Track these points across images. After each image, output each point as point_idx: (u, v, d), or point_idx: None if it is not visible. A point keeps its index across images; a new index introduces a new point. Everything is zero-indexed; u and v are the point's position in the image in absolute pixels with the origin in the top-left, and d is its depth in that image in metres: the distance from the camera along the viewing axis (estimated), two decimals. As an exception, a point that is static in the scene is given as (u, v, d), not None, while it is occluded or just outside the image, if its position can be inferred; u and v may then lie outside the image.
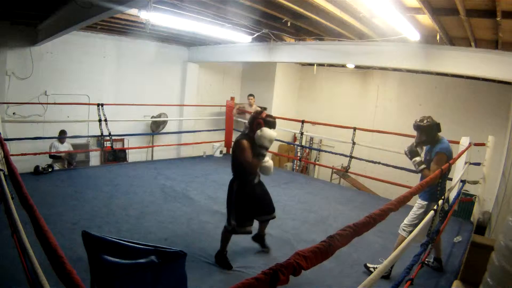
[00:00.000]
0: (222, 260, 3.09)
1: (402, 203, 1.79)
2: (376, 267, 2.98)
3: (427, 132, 3.01)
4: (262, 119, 2.95)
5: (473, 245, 3.11)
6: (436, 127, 3.01)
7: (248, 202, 3.04)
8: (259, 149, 2.88)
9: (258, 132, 2.86)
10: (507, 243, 2.12)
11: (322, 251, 1.15)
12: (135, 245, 1.27)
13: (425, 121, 3.01)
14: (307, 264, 1.06)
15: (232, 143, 3.16)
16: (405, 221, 3.14)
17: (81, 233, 1.29)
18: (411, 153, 3.11)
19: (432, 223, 2.67)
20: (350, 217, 4.45)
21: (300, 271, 1.04)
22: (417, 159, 3.07)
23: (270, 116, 3.02)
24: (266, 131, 2.86)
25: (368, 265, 3.17)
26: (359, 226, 1.37)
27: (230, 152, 3.06)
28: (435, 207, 2.70)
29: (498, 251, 2.23)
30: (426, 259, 3.12)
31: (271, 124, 2.98)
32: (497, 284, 2.14)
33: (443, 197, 2.80)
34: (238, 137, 3.05)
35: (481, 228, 4.37)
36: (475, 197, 4.82)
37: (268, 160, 3.10)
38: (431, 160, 3.03)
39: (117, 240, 1.27)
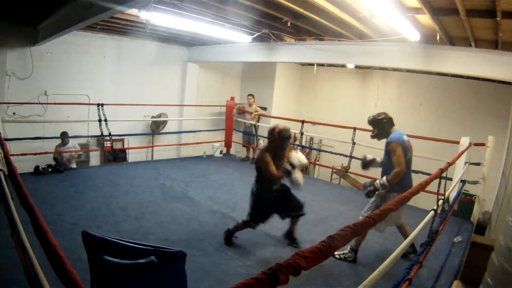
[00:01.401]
0: (227, 237, 3.47)
1: (401, 203, 1.79)
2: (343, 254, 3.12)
3: (379, 125, 3.20)
4: (277, 134, 3.16)
5: (473, 245, 3.11)
6: (388, 120, 3.19)
7: (264, 206, 3.33)
8: (288, 166, 3.16)
9: (294, 153, 3.19)
10: (507, 243, 2.12)
11: (322, 251, 1.15)
12: (135, 245, 1.27)
13: (376, 115, 3.23)
14: (307, 264, 1.06)
15: (257, 154, 3.46)
16: (365, 208, 3.29)
17: (81, 233, 1.29)
18: (365, 164, 3.39)
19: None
20: (350, 217, 4.45)
21: (300, 271, 1.04)
22: (374, 163, 3.30)
23: (284, 129, 3.19)
24: (297, 155, 3.18)
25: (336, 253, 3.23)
26: (358, 226, 1.37)
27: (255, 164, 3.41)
28: (435, 209, 2.71)
29: (498, 251, 2.22)
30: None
31: (286, 137, 3.18)
32: (497, 284, 2.14)
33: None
34: (261, 151, 3.33)
35: (481, 228, 4.37)
36: (475, 197, 4.82)
37: (295, 175, 3.20)
38: (385, 153, 3.17)
39: (117, 240, 1.26)
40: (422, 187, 2.17)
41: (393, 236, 3.70)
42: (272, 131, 3.20)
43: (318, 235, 3.82)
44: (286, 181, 3.33)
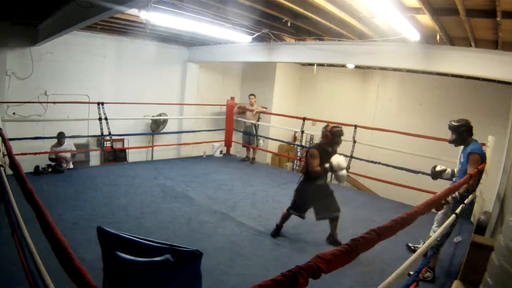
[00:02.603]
0: (275, 230, 3.76)
1: (430, 206, 1.73)
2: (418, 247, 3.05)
3: (457, 131, 3.24)
4: (329, 131, 3.45)
5: (473, 245, 3.10)
6: (467, 129, 3.23)
7: (304, 196, 3.60)
8: (327, 165, 3.38)
9: (336, 156, 3.42)
10: (507, 243, 2.12)
11: (345, 254, 1.11)
12: (150, 242, 1.26)
13: (456, 122, 3.27)
14: (328, 267, 1.03)
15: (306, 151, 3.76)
16: (435, 223, 3.25)
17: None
18: (435, 175, 3.41)
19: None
20: (350, 217, 4.44)
21: (320, 274, 1.00)
22: (444, 174, 3.37)
23: (336, 126, 3.49)
24: (338, 158, 3.38)
25: (410, 244, 3.52)
26: (383, 230, 1.31)
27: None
28: (457, 211, 2.71)
29: (498, 251, 2.22)
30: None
31: (338, 133, 3.45)
32: (497, 284, 2.14)
33: (465, 202, 2.84)
34: (313, 145, 3.67)
35: (481, 228, 4.36)
36: (475, 197, 4.81)
37: (343, 170, 3.41)
38: (465, 162, 3.18)
39: (132, 237, 1.26)
40: (452, 191, 2.14)
41: (394, 237, 3.70)
42: (325, 128, 3.49)
43: (318, 235, 3.82)
44: (331, 181, 3.61)
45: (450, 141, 3.34)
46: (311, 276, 0.98)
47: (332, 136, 3.44)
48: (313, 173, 3.46)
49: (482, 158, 3.14)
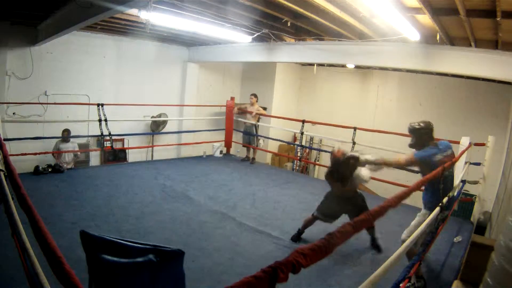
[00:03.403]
0: (296, 234, 3.73)
1: (400, 199, 1.77)
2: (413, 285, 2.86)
3: (416, 135, 2.93)
4: (332, 159, 3.37)
5: (473, 245, 3.11)
6: (427, 132, 2.91)
7: (329, 204, 3.61)
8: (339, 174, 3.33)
9: (359, 169, 3.33)
10: (507, 243, 2.12)
11: (321, 249, 1.15)
12: (133, 244, 1.27)
13: (416, 124, 2.92)
14: (306, 262, 1.06)
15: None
16: (406, 231, 2.98)
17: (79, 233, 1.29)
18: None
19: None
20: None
21: (299, 269, 1.03)
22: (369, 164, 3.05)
23: (337, 155, 3.26)
24: (361, 172, 3.35)
25: None
26: (358, 223, 1.37)
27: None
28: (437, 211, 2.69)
29: (498, 251, 2.23)
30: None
31: (344, 164, 3.19)
32: (497, 284, 2.14)
33: (440, 204, 2.67)
34: (326, 172, 3.56)
35: (481, 228, 4.37)
36: (475, 197, 4.82)
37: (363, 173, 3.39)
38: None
39: (115, 239, 1.26)
40: (423, 183, 2.15)
41: (392, 235, 3.70)
42: (331, 156, 3.40)
43: (318, 235, 3.81)
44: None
45: (410, 145, 3.00)
46: (291, 271, 1.00)
47: (338, 166, 3.28)
48: (338, 192, 3.52)
49: (425, 163, 2.82)
